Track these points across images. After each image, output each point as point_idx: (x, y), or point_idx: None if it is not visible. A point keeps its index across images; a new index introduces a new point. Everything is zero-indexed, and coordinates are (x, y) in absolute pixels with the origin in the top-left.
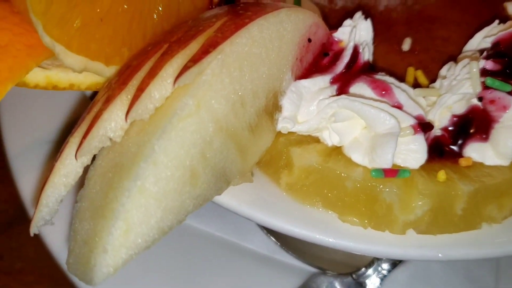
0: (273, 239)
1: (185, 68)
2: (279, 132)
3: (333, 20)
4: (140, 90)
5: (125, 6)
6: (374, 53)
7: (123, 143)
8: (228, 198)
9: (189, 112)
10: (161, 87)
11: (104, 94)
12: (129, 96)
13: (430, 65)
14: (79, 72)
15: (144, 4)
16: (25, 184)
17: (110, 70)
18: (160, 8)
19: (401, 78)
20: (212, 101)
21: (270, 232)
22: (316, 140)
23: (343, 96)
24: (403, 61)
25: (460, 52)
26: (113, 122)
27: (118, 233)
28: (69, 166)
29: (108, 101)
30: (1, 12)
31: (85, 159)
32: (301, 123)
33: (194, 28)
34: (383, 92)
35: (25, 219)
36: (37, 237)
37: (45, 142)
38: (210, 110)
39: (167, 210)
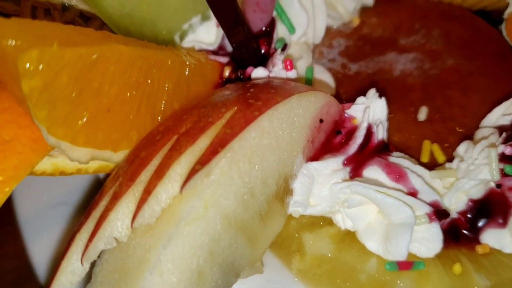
0: None
1: (192, 172)
2: (290, 215)
3: (347, 86)
4: (147, 192)
5: (133, 92)
6: (389, 123)
7: (130, 241)
8: (238, 284)
9: (196, 215)
10: (168, 187)
11: (112, 186)
12: (136, 195)
13: (446, 136)
14: (86, 163)
15: (152, 86)
16: (36, 246)
17: (119, 156)
18: (169, 88)
19: (417, 151)
20: (220, 199)
21: None
22: (329, 221)
23: (356, 182)
24: (419, 132)
25: (478, 123)
26: (119, 222)
27: None
28: (75, 264)
29: (115, 198)
30: (6, 102)
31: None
32: (313, 206)
33: (203, 118)
34: (398, 177)
35: (33, 279)
36: None
37: (56, 203)
38: (218, 207)
39: None
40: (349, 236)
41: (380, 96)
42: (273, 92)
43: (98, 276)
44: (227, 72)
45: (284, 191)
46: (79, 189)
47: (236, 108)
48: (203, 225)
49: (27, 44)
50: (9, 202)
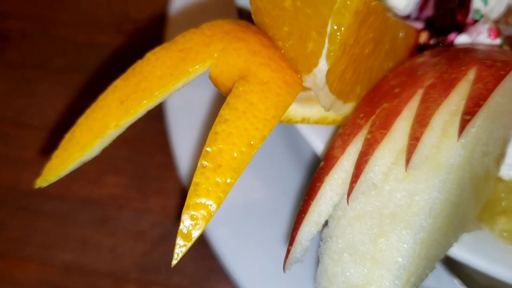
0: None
1: (464, 122)
2: (497, 178)
3: None
4: (415, 139)
5: (370, 47)
6: None
7: (382, 188)
8: None
9: (459, 164)
10: (431, 136)
11: (355, 134)
12: (393, 142)
13: None
14: (328, 111)
15: (378, 43)
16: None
17: (345, 108)
18: (386, 48)
19: None
20: (474, 152)
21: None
22: None
23: None
24: None
25: None
26: (377, 167)
27: (401, 283)
28: (323, 205)
29: (370, 145)
30: (254, 45)
31: (336, 199)
32: None
33: (445, 75)
34: None
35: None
36: (196, 251)
37: None
38: (471, 160)
39: (428, 259)
40: None
41: None
42: (504, 56)
43: (341, 220)
44: (424, 38)
45: (501, 154)
46: None
47: (476, 67)
48: (460, 175)
49: None
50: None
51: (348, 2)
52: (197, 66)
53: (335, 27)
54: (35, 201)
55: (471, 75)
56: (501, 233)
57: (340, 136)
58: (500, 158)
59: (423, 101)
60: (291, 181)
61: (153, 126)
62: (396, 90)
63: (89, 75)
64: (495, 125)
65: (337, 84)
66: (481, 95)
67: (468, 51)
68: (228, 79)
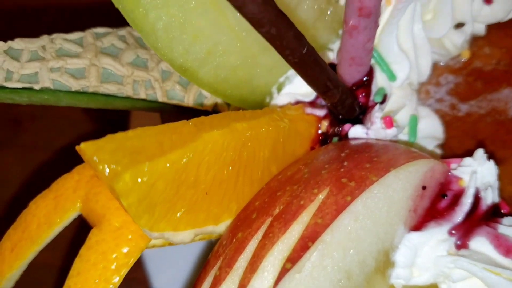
0: None
1: (283, 272)
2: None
3: (457, 130)
4: (242, 287)
5: (229, 169)
6: (503, 173)
7: None
8: None
9: None
10: (263, 280)
11: (214, 264)
12: (239, 279)
13: None
14: (190, 243)
15: (248, 158)
16: (158, 274)
17: (221, 227)
18: (265, 155)
19: None
20: None
21: None
22: (435, 286)
23: (462, 258)
24: None
25: None
26: None
27: None
28: None
29: (214, 285)
30: None
31: None
32: (417, 277)
33: (295, 200)
34: (507, 252)
35: None
36: None
37: None
38: None
39: None
40: None
41: (489, 158)
42: (368, 168)
43: None
44: (324, 126)
45: (385, 265)
46: None
47: (328, 189)
48: None
49: (121, 165)
50: None
51: (121, 189)
52: (66, 214)
53: (125, 204)
54: None
55: (318, 202)
56: None
57: (205, 265)
58: (385, 269)
59: (264, 236)
60: None
61: None
62: (253, 216)
63: None
64: (354, 250)
65: (189, 219)
66: (313, 233)
67: (337, 160)
68: (94, 222)
